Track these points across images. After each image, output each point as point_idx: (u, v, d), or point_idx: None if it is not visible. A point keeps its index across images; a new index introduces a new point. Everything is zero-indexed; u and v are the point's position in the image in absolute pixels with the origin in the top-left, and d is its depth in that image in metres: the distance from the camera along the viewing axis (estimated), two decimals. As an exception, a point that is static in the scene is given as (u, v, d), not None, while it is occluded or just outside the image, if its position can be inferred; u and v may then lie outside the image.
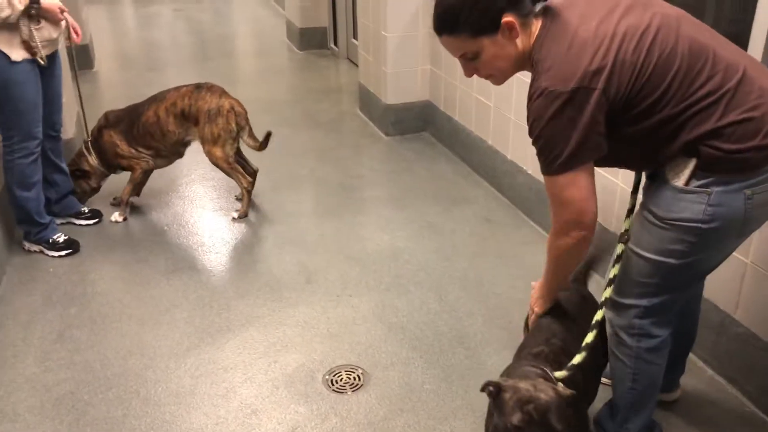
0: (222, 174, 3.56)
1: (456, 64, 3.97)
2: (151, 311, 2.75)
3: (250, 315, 2.71)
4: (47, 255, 3.11)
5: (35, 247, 3.13)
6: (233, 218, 3.46)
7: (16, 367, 2.43)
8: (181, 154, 3.55)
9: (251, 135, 3.46)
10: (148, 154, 3.43)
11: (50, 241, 3.12)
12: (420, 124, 4.51)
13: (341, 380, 2.36)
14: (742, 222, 1.57)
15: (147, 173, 3.51)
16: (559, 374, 1.63)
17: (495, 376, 2.35)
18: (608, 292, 1.74)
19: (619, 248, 1.73)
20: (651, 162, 1.64)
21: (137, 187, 3.53)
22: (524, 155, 3.40)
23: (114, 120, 3.41)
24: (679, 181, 1.55)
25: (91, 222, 3.42)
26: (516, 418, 1.45)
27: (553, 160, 1.54)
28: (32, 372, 2.41)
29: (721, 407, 2.22)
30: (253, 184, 3.54)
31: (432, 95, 4.40)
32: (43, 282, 2.94)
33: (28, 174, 2.99)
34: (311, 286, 2.90)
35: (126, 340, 2.57)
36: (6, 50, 2.74)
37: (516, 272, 2.98)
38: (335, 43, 6.60)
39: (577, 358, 1.66)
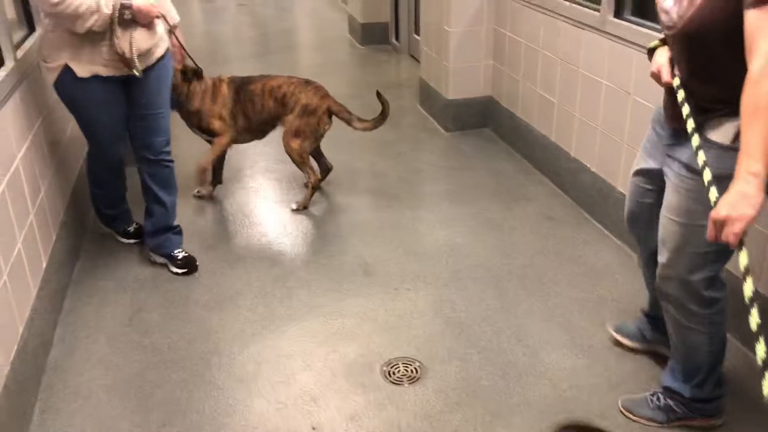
0: (285, 167, 3.63)
1: (518, 60, 3.94)
2: (216, 298, 2.83)
3: (311, 304, 2.76)
4: (118, 240, 3.23)
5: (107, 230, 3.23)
6: (292, 209, 3.53)
7: (89, 347, 2.55)
8: (263, 135, 3.64)
9: (359, 120, 3.54)
10: (240, 126, 3.49)
11: (120, 230, 3.22)
12: (481, 120, 4.49)
13: (399, 372, 2.39)
14: None
15: (229, 145, 3.55)
16: None
17: (553, 375, 2.35)
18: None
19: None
20: (711, 83, 1.66)
21: (220, 158, 3.58)
22: (588, 152, 3.35)
23: (229, 78, 3.50)
24: (726, 140, 1.64)
25: (182, 271, 2.98)
26: None
27: None
28: (104, 352, 2.53)
29: None
30: (322, 179, 3.68)
31: (494, 91, 4.37)
32: (115, 267, 3.07)
33: (101, 180, 3.01)
34: (370, 279, 2.94)
35: (192, 325, 2.66)
36: (72, 65, 2.54)
37: (577, 271, 2.95)
38: (396, 39, 6.62)
39: None
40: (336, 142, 3.72)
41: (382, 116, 3.53)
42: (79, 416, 2.22)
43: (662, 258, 1.90)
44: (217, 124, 3.45)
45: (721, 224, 1.43)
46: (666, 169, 1.89)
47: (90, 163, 2.99)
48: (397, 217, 3.47)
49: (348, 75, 6.02)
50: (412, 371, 2.39)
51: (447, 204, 3.59)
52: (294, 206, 3.55)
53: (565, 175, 3.61)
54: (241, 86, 3.47)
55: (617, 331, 2.48)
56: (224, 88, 3.44)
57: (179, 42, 3.02)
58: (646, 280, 2.33)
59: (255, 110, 3.47)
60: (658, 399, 2.10)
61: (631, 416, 2.13)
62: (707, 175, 1.51)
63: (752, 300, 1.31)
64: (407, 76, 5.83)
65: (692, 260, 1.82)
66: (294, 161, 3.50)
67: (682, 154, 1.78)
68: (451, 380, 2.34)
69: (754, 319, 1.28)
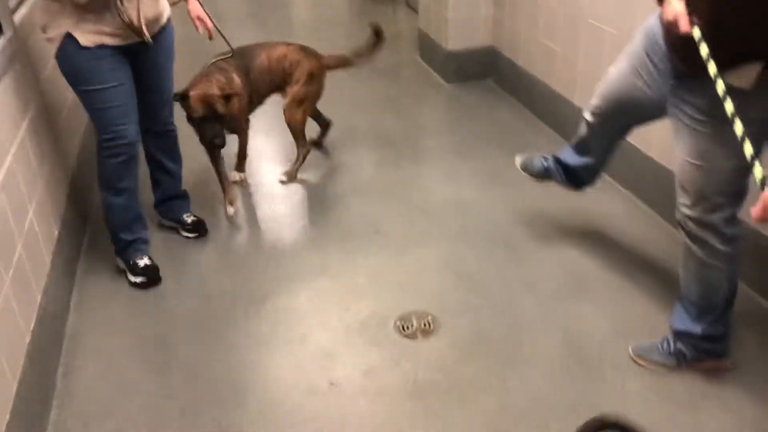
0: (287, 129, 3.60)
1: (520, 8, 3.88)
2: (228, 261, 2.86)
3: (322, 264, 2.79)
4: (127, 277, 2.75)
5: (121, 264, 2.78)
6: (281, 181, 3.42)
7: (105, 312, 2.59)
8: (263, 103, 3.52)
9: (357, 54, 3.56)
10: (255, 103, 3.35)
11: (130, 262, 2.73)
12: (482, 70, 4.44)
13: (412, 326, 2.43)
14: None
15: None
16: None
17: (564, 325, 2.39)
18: None
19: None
20: (738, 37, 1.64)
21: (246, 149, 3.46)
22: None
23: (234, 66, 3.13)
24: (747, 84, 1.66)
25: (193, 235, 3.00)
26: None
27: None
28: (120, 317, 2.56)
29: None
30: (324, 135, 3.66)
31: (495, 41, 4.31)
32: (124, 232, 3.08)
33: (116, 176, 2.61)
34: (379, 237, 2.96)
35: (205, 288, 2.70)
36: (75, 33, 2.35)
37: (583, 220, 2.96)
38: (393, -11, 6.49)
39: None
40: (335, 98, 3.67)
41: (375, 45, 3.47)
42: (101, 379, 2.27)
43: (684, 200, 1.93)
44: (245, 125, 3.33)
45: None
46: (673, 109, 1.91)
47: (102, 161, 2.61)
48: (402, 173, 3.47)
49: (345, 29, 5.93)
50: (424, 325, 2.43)
51: (451, 158, 3.59)
52: (284, 178, 3.42)
53: (568, 124, 3.58)
54: (243, 67, 3.19)
55: (523, 166, 2.76)
56: (236, 79, 3.14)
57: (205, 12, 2.78)
58: (582, 139, 2.48)
59: (266, 85, 3.31)
60: (668, 344, 2.15)
61: (642, 362, 2.18)
62: (739, 129, 1.49)
63: None
64: (406, 27, 5.74)
65: (714, 200, 1.86)
66: (293, 131, 3.40)
67: (697, 98, 1.79)
68: (463, 332, 2.39)
69: None
